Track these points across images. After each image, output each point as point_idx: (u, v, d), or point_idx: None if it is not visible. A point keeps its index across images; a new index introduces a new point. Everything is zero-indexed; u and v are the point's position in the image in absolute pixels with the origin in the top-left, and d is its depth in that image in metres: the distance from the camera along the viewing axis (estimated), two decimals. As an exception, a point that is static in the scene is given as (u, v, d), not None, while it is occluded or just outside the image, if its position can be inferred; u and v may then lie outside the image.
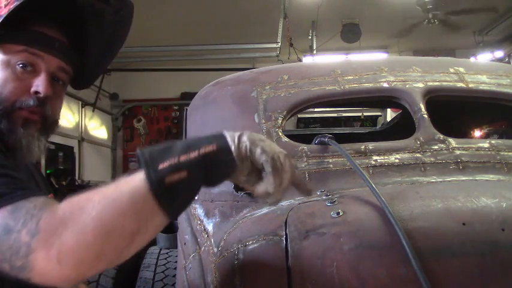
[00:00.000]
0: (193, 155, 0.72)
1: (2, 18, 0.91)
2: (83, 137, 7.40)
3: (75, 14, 1.10)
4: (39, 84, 0.98)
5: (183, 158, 0.71)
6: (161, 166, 0.70)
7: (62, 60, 1.04)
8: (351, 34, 7.08)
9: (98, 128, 7.89)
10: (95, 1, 1.07)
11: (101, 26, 1.12)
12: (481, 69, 1.62)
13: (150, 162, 0.70)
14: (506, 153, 1.30)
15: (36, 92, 0.99)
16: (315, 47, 6.97)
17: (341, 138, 1.35)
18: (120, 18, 1.12)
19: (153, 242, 2.71)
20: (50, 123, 1.05)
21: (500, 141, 1.36)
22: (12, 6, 0.91)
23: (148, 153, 0.72)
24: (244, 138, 0.79)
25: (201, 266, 1.18)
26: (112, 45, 1.19)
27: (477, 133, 4.26)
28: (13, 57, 0.97)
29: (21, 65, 0.97)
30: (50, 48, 1.00)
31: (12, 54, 0.97)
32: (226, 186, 1.29)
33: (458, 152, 1.28)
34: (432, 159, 1.27)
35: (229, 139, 0.78)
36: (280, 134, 1.35)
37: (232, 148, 0.77)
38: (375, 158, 1.27)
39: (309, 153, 1.29)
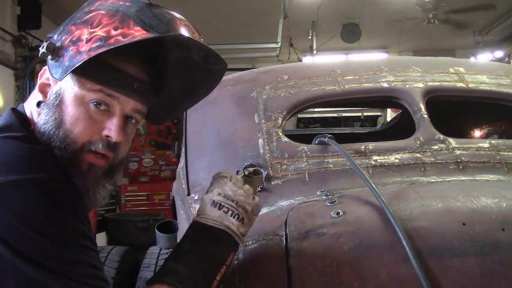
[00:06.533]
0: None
1: (83, 58, 0.84)
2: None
3: (158, 46, 1.01)
4: (111, 128, 0.91)
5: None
6: None
7: (138, 102, 0.95)
8: (351, 34, 7.09)
9: (98, 128, 7.89)
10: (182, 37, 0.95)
11: (185, 64, 1.03)
12: (481, 69, 1.62)
13: None
14: (506, 153, 1.30)
15: (108, 136, 0.91)
16: (315, 47, 6.97)
17: (341, 138, 1.35)
18: (210, 68, 1.03)
19: (153, 242, 2.71)
20: (116, 165, 0.97)
21: (500, 141, 1.36)
22: (94, 46, 0.84)
23: None
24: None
25: (201, 266, 1.18)
26: (194, 91, 1.09)
27: (477, 133, 4.26)
28: (88, 95, 0.90)
29: (95, 104, 0.90)
30: (127, 89, 0.92)
31: (87, 91, 0.89)
32: (226, 186, 1.29)
33: (458, 152, 1.28)
34: (432, 159, 1.27)
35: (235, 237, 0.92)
36: (280, 134, 1.35)
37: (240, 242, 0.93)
38: (375, 158, 1.27)
39: (309, 153, 1.29)
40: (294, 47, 6.48)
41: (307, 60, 7.23)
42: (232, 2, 6.23)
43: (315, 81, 1.49)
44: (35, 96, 0.95)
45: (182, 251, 0.89)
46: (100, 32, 0.86)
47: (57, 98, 0.91)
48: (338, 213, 0.99)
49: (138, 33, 0.85)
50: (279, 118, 1.38)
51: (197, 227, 0.92)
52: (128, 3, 0.90)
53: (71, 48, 0.87)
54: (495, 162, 1.27)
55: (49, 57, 0.90)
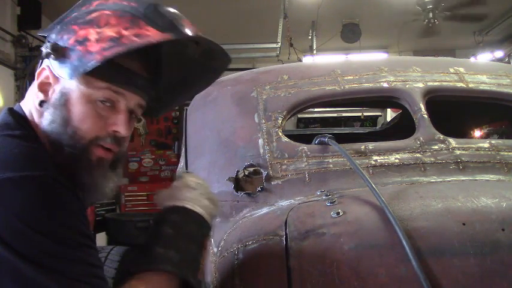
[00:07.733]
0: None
1: (95, 58, 0.84)
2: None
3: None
4: (119, 123, 0.94)
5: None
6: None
7: (141, 97, 0.99)
8: (351, 34, 7.09)
9: (98, 128, 7.89)
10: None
11: (180, 56, 1.06)
12: (481, 69, 1.62)
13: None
14: (506, 153, 1.30)
15: (115, 131, 0.94)
16: (315, 47, 6.97)
17: (341, 138, 1.35)
18: (210, 64, 1.06)
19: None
20: (119, 158, 1.00)
21: (500, 141, 1.36)
22: (106, 46, 0.84)
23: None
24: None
25: (201, 266, 1.18)
26: (192, 84, 1.12)
27: (477, 133, 4.26)
28: (94, 93, 0.91)
29: (102, 101, 0.93)
30: (132, 85, 0.95)
31: (93, 89, 0.91)
32: (226, 186, 1.29)
33: (458, 152, 1.28)
34: (432, 159, 1.27)
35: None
36: (280, 134, 1.35)
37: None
38: (375, 158, 1.27)
39: (309, 153, 1.29)
40: (294, 47, 6.48)
41: (307, 60, 7.23)
42: (232, 1, 6.23)
43: (315, 81, 1.49)
44: (34, 95, 0.95)
45: (167, 235, 0.90)
46: (110, 32, 0.87)
47: (63, 97, 0.92)
48: (338, 213, 0.99)
49: (151, 33, 0.87)
50: (279, 118, 1.38)
51: (176, 210, 0.94)
52: (132, 4, 0.91)
53: (78, 47, 0.88)
54: (495, 162, 1.27)
55: (52, 56, 0.90)
